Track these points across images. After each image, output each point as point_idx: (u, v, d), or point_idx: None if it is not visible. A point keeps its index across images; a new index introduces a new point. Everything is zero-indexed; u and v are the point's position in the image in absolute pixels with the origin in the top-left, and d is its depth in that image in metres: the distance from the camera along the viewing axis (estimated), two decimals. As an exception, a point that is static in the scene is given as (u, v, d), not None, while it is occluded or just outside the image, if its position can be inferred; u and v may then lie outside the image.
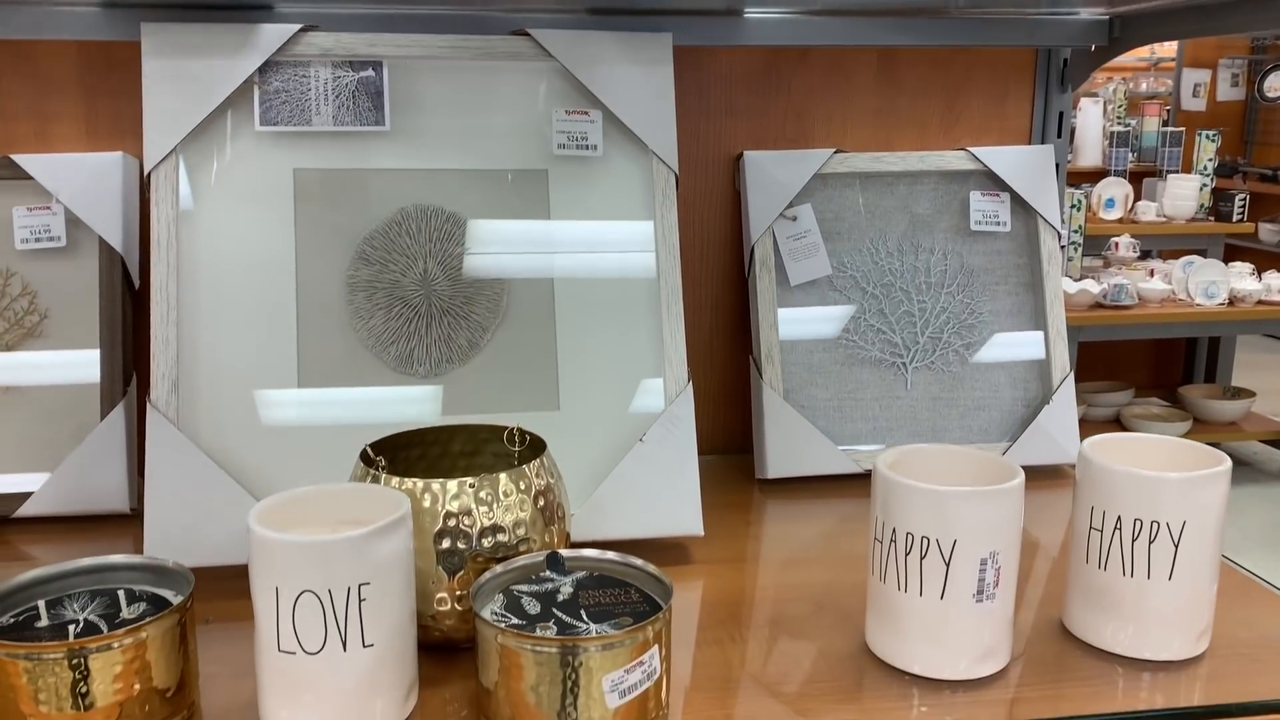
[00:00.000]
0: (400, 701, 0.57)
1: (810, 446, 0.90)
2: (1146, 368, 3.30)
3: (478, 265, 0.80)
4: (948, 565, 0.60)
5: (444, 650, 0.63)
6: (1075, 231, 2.77)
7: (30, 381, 0.85)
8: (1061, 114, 1.00)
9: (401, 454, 0.70)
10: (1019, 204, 0.97)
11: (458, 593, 0.62)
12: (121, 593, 0.59)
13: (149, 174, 0.76)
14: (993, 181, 0.97)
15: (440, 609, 0.62)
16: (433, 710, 0.59)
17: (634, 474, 0.76)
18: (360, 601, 0.54)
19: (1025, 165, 0.96)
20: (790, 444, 0.90)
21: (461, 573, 0.61)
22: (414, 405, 0.78)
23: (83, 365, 0.85)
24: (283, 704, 0.55)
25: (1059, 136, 1.01)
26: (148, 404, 0.73)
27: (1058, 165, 0.99)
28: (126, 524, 0.83)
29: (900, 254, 0.95)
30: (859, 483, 0.91)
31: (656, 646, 0.55)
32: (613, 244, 0.81)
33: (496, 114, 0.82)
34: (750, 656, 0.65)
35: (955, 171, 0.96)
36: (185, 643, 0.57)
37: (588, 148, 0.81)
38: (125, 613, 0.57)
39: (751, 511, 0.88)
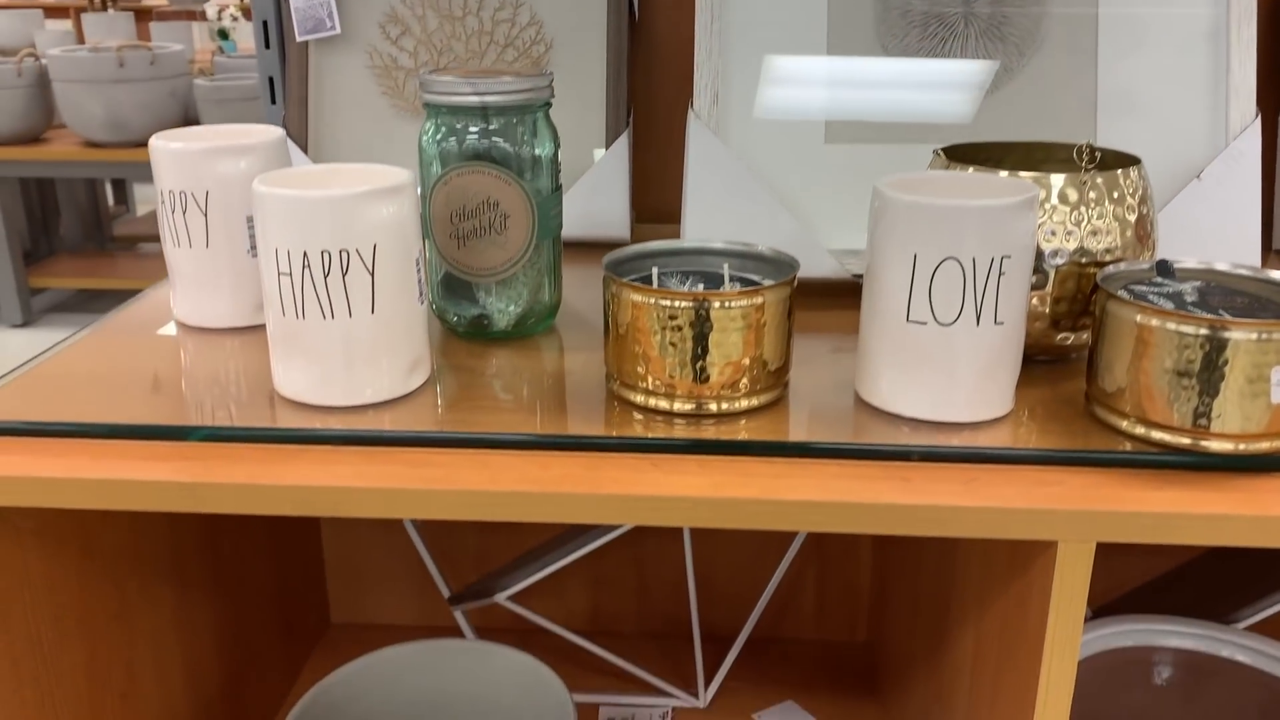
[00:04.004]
0: (1009, 388, 0.56)
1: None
2: None
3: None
4: None
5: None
6: None
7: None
8: None
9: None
10: None
11: (1049, 297, 0.59)
12: (725, 270, 0.61)
13: (692, -116, 0.75)
14: None
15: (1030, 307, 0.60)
16: (1028, 406, 0.58)
17: (1188, 213, 0.71)
18: (1000, 275, 0.52)
19: None
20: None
21: (1056, 274, 0.59)
22: (941, 130, 0.75)
23: (586, 96, 0.88)
24: (900, 372, 0.55)
25: None
26: (690, 113, 0.74)
27: None
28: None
29: None
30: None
31: (1324, 347, 0.51)
32: (1170, -37, 0.74)
33: None
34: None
35: None
36: (790, 320, 0.58)
37: None
38: (726, 287, 0.59)
39: None
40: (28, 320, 2.97)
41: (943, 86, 0.76)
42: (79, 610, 0.64)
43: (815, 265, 0.71)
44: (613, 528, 0.87)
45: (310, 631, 1.03)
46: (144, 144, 2.81)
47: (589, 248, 0.86)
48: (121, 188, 3.83)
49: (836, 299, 0.72)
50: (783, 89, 0.76)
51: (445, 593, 0.97)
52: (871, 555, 1.01)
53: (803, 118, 0.76)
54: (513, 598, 0.89)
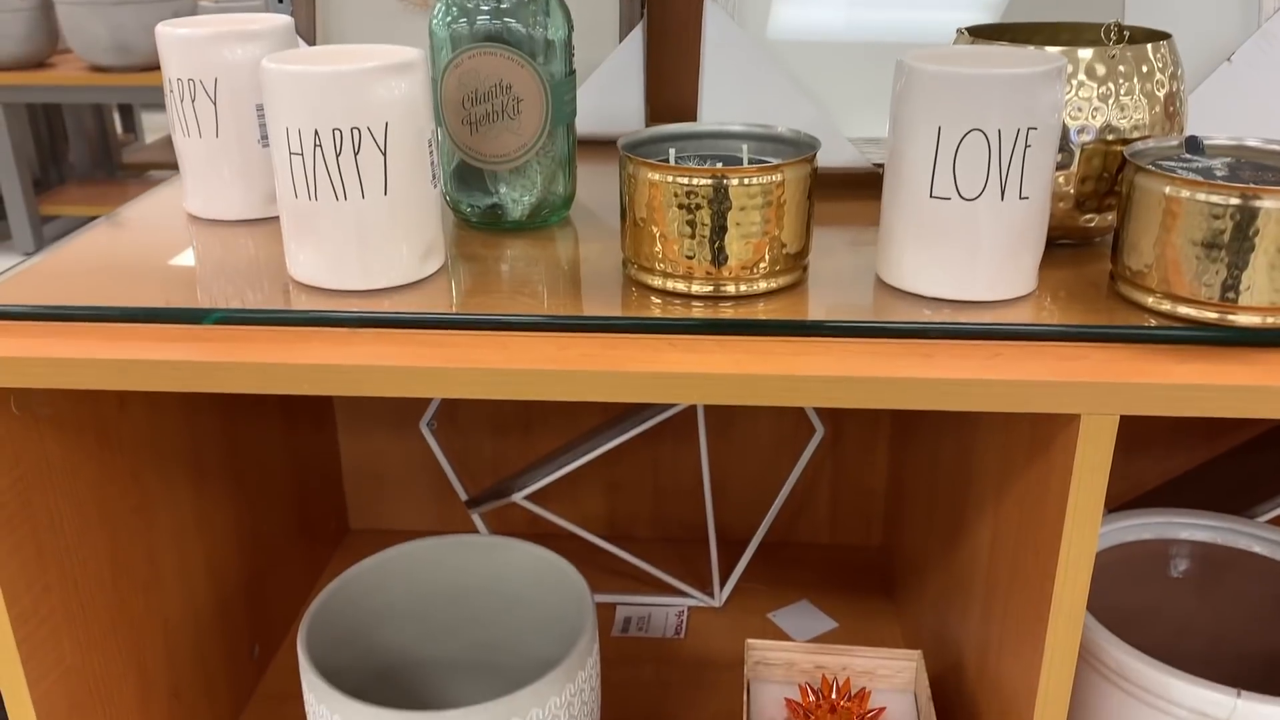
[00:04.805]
0: (1032, 266, 0.55)
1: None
2: None
3: None
4: None
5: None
6: None
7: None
8: None
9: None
10: None
11: (1074, 176, 0.58)
12: (743, 152, 0.60)
13: None
14: None
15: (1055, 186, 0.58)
16: (1051, 287, 0.57)
17: (1217, 97, 0.69)
18: (1025, 148, 0.51)
19: None
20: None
21: (1083, 152, 0.58)
22: (957, 14, 0.73)
23: (598, -11, 0.86)
24: (923, 250, 0.54)
25: None
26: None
27: None
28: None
29: None
30: None
31: (1358, 216, 0.50)
32: None
33: None
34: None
35: None
36: (810, 202, 0.57)
37: None
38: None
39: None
40: (39, 248, 2.97)
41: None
42: (99, 501, 0.65)
43: (836, 153, 0.69)
44: (628, 429, 0.87)
45: (329, 536, 1.04)
46: (149, 68, 2.76)
47: (603, 146, 0.85)
48: (129, 115, 3.79)
49: (857, 190, 0.71)
50: (801, -26, 0.74)
51: (463, 496, 0.98)
52: (887, 459, 1.01)
53: (821, 4, 0.74)
54: (529, 499, 0.89)
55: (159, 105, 3.50)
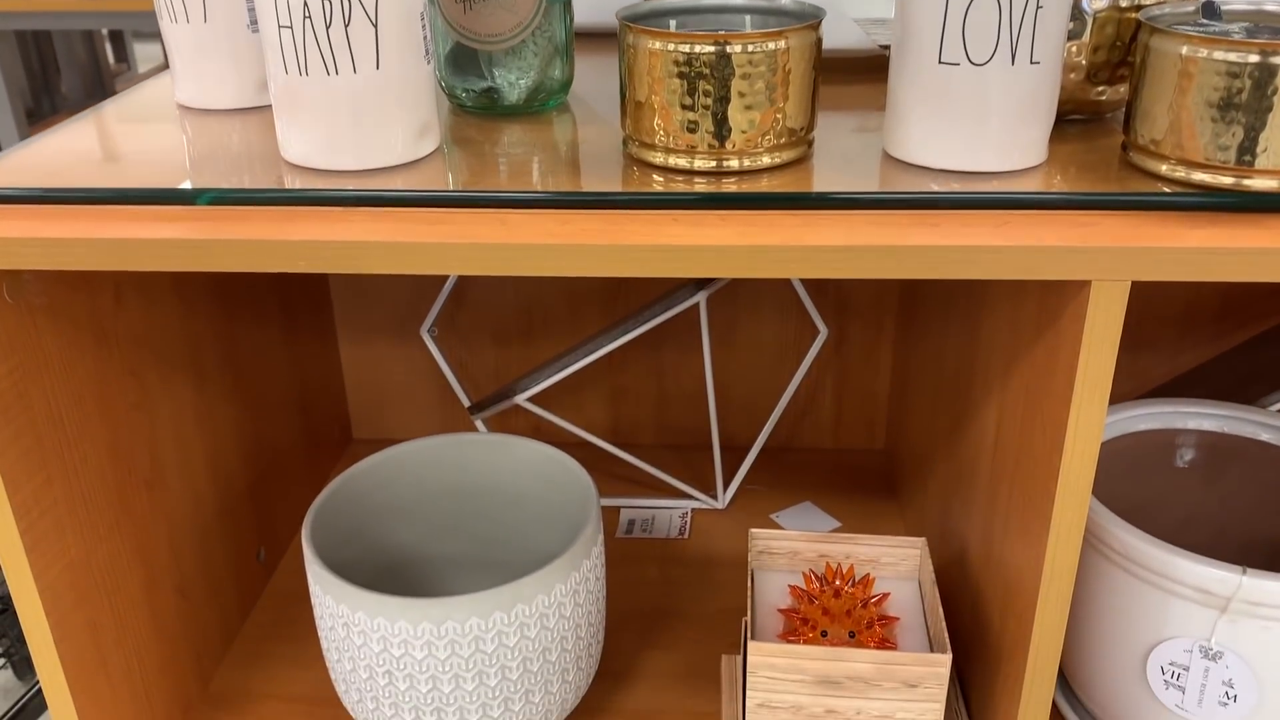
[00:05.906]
0: (1042, 136, 0.54)
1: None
2: None
3: None
4: None
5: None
6: None
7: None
8: None
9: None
10: None
11: (1087, 46, 0.56)
12: (746, 24, 0.58)
13: None
14: None
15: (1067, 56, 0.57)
16: (1062, 159, 0.56)
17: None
18: (1037, 9, 0.50)
19: None
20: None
21: (1095, 20, 0.56)
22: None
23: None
24: (931, 120, 0.53)
25: None
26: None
27: None
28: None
29: None
30: None
31: (1380, 73, 0.48)
32: None
33: None
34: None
35: None
36: (815, 74, 0.55)
37: None
38: (747, 42, 0.56)
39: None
40: (34, 178, 2.94)
41: None
42: (98, 396, 0.64)
43: (841, 36, 0.68)
44: (630, 330, 0.87)
45: (333, 445, 1.04)
46: (139, -10, 2.69)
47: (601, 39, 0.83)
48: (121, 44, 3.73)
49: (863, 75, 0.69)
50: None
51: (465, 402, 0.97)
52: (891, 362, 1.00)
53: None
54: (532, 401, 0.89)
55: (150, 34, 3.44)
